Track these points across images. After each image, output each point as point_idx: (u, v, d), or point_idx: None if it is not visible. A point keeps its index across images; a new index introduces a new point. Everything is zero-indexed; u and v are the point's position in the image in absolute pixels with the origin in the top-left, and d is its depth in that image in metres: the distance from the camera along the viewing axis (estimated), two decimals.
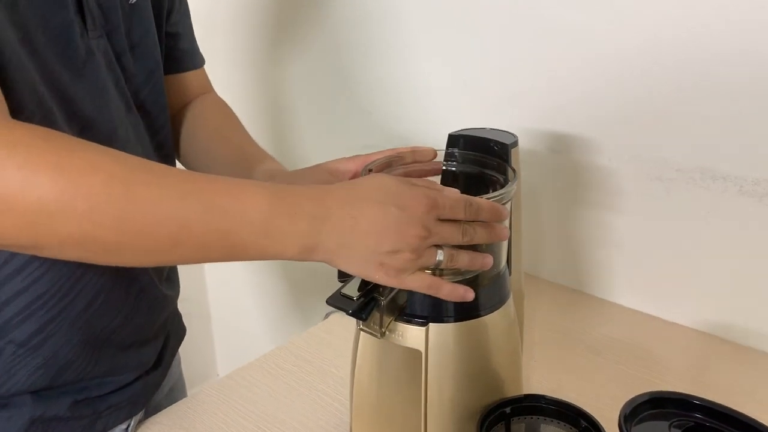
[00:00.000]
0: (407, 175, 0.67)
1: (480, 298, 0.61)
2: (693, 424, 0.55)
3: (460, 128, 0.71)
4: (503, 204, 0.59)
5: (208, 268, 1.90)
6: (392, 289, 0.57)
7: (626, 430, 0.54)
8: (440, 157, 0.69)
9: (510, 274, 0.68)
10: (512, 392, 0.66)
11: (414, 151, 0.68)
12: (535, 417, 0.62)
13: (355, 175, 0.69)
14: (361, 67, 1.21)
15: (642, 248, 0.94)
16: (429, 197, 0.51)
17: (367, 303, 0.56)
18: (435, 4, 1.06)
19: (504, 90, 1.02)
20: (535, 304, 0.95)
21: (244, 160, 0.79)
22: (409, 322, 0.60)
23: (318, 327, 0.96)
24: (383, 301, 0.56)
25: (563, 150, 0.98)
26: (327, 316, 1.01)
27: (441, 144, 0.70)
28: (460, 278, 0.61)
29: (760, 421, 0.54)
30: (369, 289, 0.56)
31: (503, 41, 1.00)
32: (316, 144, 1.36)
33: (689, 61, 0.83)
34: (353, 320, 0.95)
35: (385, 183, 0.53)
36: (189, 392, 0.95)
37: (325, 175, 0.71)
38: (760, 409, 0.72)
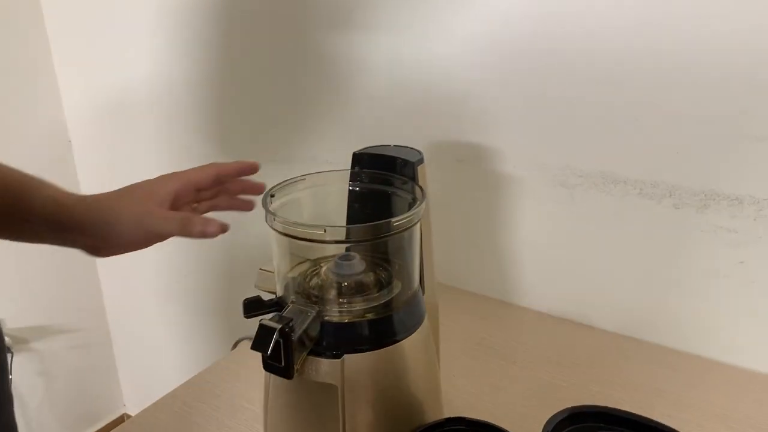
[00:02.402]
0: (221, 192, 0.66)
1: (395, 323, 0.59)
2: None
3: (359, 144, 0.68)
4: (414, 224, 0.57)
5: (108, 297, 1.79)
6: (303, 321, 0.54)
7: None
8: (345, 176, 0.66)
9: (423, 292, 0.66)
10: (433, 414, 0.64)
11: (239, 167, 0.65)
12: None
13: (176, 197, 0.62)
14: (259, 77, 1.17)
15: (551, 252, 0.95)
16: None
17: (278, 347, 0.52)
18: (328, 11, 1.03)
19: (404, 102, 1.01)
20: (448, 314, 0.94)
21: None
22: (321, 355, 0.56)
23: (227, 358, 0.91)
24: (294, 336, 0.53)
25: (467, 159, 0.98)
26: (236, 345, 0.96)
27: (344, 163, 0.67)
28: (374, 304, 0.59)
29: (671, 420, 0.55)
30: (281, 329, 0.52)
31: (401, 50, 0.98)
32: None
33: (587, 68, 0.84)
34: None
35: None
36: (95, 426, 0.86)
37: (141, 198, 0.61)
38: (671, 407, 0.73)
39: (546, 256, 0.96)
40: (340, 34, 1.04)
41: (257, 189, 0.68)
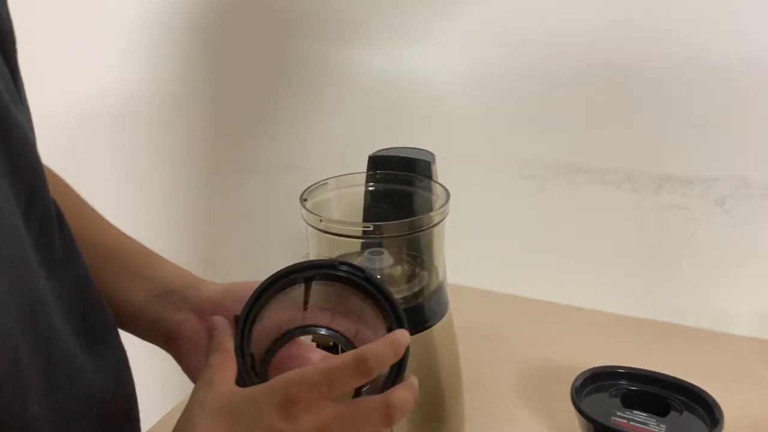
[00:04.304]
0: None
1: (426, 310, 0.64)
2: (626, 391, 0.63)
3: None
4: (444, 218, 0.63)
5: None
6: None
7: (578, 401, 0.60)
8: (363, 178, 0.70)
9: None
10: (456, 395, 0.69)
11: None
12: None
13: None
14: (240, 88, 1.18)
15: (524, 239, 1.03)
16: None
17: None
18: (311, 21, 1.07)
19: (364, 103, 1.06)
20: None
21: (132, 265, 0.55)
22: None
23: None
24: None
25: (438, 159, 1.04)
26: None
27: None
28: (407, 294, 0.64)
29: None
30: None
31: (367, 55, 1.04)
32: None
33: (549, 63, 0.93)
34: None
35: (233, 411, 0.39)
36: None
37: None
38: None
39: (520, 244, 1.04)
40: (318, 48, 1.08)
41: None
